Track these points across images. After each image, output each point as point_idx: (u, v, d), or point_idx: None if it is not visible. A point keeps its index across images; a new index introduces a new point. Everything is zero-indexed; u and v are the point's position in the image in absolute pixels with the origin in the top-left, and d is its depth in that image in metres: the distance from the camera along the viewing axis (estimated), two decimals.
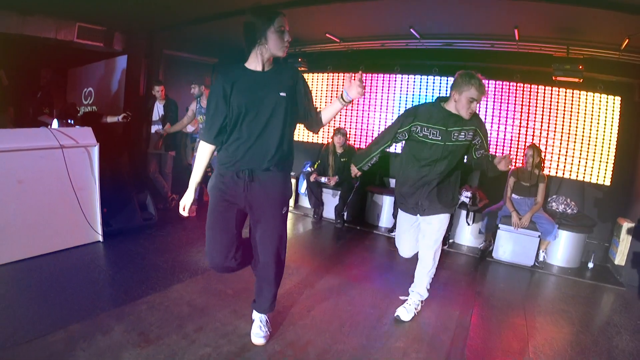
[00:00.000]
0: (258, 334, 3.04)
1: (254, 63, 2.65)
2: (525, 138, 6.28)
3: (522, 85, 6.27)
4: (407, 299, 3.77)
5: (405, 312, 3.64)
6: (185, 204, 2.88)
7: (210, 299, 3.69)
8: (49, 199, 4.36)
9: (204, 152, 2.81)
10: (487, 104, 6.48)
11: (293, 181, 7.39)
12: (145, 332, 3.07)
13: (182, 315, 3.36)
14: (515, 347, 3.41)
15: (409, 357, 3.10)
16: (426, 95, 6.89)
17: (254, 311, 3.13)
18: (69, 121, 5.51)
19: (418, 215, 3.58)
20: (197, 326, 3.22)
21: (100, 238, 4.87)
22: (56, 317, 3.19)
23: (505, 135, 6.44)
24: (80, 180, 4.59)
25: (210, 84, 5.81)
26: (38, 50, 6.76)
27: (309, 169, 7.15)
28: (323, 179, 6.78)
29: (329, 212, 6.86)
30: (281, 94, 2.63)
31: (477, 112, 3.44)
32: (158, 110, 6.39)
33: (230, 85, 2.60)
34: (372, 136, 7.46)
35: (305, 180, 7.04)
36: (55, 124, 5.01)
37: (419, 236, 3.68)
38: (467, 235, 6.15)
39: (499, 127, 6.46)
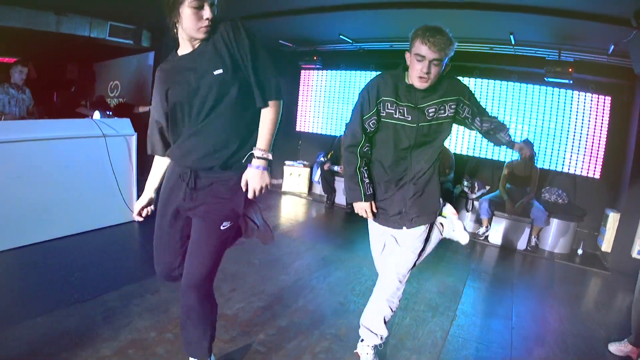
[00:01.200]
0: None
1: (182, 46, 2.11)
2: (522, 133, 6.73)
3: (518, 85, 6.74)
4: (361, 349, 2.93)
5: None
6: (136, 207, 2.45)
7: (241, 267, 4.26)
8: (92, 183, 4.90)
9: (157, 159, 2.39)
10: (485, 102, 6.92)
11: (307, 170, 8.02)
12: None
13: (217, 279, 3.81)
14: (500, 312, 3.95)
15: (409, 313, 3.68)
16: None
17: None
18: (108, 112, 6.04)
19: (404, 227, 2.66)
20: (231, 288, 3.78)
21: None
22: (108, 281, 3.74)
23: None
24: (119, 166, 5.12)
25: None
26: (67, 46, 7.19)
27: (322, 158, 7.62)
28: (336, 168, 7.30)
29: (340, 199, 7.36)
30: (215, 72, 2.01)
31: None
32: None
33: (163, 74, 2.13)
34: None
35: (319, 169, 7.51)
36: (97, 115, 5.53)
37: (392, 252, 2.80)
38: (466, 221, 6.64)
39: None
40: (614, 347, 3.37)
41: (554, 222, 6.05)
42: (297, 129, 9.09)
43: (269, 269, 4.29)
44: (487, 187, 6.71)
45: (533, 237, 6.04)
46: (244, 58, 2.03)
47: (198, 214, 2.17)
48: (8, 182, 4.23)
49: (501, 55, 6.45)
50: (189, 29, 1.98)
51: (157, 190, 2.40)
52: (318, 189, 7.92)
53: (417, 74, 2.32)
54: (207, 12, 1.95)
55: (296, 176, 8.10)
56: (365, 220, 2.74)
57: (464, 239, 2.89)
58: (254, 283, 3.92)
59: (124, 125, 5.28)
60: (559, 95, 6.52)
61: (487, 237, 6.23)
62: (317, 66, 8.09)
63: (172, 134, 2.18)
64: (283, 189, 8.17)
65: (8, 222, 4.24)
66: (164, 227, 2.30)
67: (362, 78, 8.13)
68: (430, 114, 2.46)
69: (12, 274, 3.85)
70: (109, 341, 2.86)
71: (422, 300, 3.96)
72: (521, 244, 6.01)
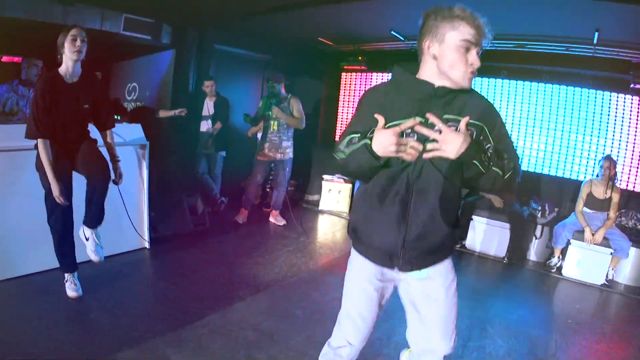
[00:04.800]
0: (96, 250, 3.45)
1: (65, 67, 3.23)
2: (597, 148, 5.93)
3: (594, 91, 5.91)
4: None
5: None
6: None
7: (278, 322, 3.41)
8: None
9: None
10: (556, 110, 6.14)
11: (348, 186, 7.26)
12: None
13: (248, 343, 3.07)
14: None
15: None
16: (494, 100, 6.51)
17: (86, 228, 3.44)
18: (116, 117, 5.30)
19: (396, 269, 1.95)
20: (268, 356, 2.92)
21: (147, 245, 4.68)
22: (101, 342, 2.91)
23: (575, 145, 6.11)
24: (126, 181, 4.19)
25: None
26: None
27: None
28: None
29: None
30: (85, 106, 3.32)
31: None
32: (208, 107, 6.17)
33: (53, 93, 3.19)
34: None
35: None
36: None
37: (413, 316, 2.09)
38: (533, 249, 5.86)
39: (568, 136, 6.13)
40: None
41: (632, 251, 5.17)
42: (337, 139, 8.18)
43: (316, 323, 3.37)
44: (556, 210, 5.90)
45: (611, 269, 5.20)
46: (101, 97, 3.54)
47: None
48: None
49: (578, 57, 5.63)
50: (69, 53, 3.14)
51: None
52: None
53: (468, 68, 1.75)
54: (78, 42, 3.13)
55: (336, 192, 7.25)
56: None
57: None
58: (299, 348, 3.03)
59: (134, 132, 4.54)
60: (639, 104, 5.65)
61: (559, 269, 5.42)
62: (362, 68, 7.36)
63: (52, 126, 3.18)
64: (320, 207, 7.31)
65: None
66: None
67: None
68: None
69: None
70: None
71: None
72: (598, 278, 5.16)
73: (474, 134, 1.76)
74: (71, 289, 3.45)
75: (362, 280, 2.04)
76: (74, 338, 2.89)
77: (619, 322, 4.37)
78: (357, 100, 1.95)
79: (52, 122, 3.12)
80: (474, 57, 1.73)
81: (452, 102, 1.79)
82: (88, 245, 3.40)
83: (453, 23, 1.71)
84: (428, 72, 1.81)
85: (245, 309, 3.55)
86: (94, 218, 3.39)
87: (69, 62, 3.18)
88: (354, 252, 2.08)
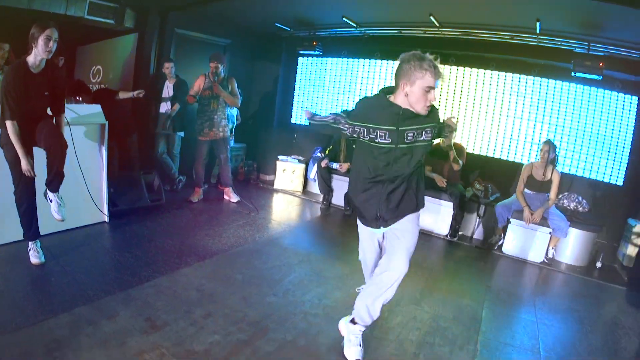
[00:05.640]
0: (59, 210, 3.67)
1: (34, 60, 3.37)
2: (540, 133, 6.14)
3: (539, 79, 6.12)
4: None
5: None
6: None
7: (219, 284, 3.65)
8: None
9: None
10: (502, 97, 6.35)
11: (302, 166, 7.44)
12: (152, 317, 3.03)
13: (190, 301, 3.31)
14: (526, 343, 3.36)
15: (423, 349, 3.07)
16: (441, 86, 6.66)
17: (49, 192, 3.65)
18: (77, 98, 5.40)
19: (382, 228, 2.87)
20: (205, 312, 3.17)
21: (106, 218, 4.82)
22: (60, 300, 3.14)
23: (520, 129, 6.32)
24: (87, 158, 4.48)
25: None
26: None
27: (319, 154, 7.11)
28: (334, 165, 6.74)
29: (338, 199, 6.80)
30: (45, 93, 3.53)
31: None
32: (167, 89, 6.29)
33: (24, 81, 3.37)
34: None
35: (315, 166, 6.99)
36: None
37: (389, 243, 2.90)
38: (475, 227, 6.09)
39: (513, 121, 6.33)
40: None
41: (573, 232, 5.43)
42: (293, 121, 8.46)
43: (253, 286, 3.66)
44: (500, 191, 6.17)
45: (551, 248, 5.46)
46: (59, 87, 3.68)
47: None
48: None
49: (523, 45, 5.81)
50: (41, 52, 3.31)
51: None
52: (314, 188, 7.33)
53: (426, 103, 2.55)
54: (52, 43, 3.32)
55: (290, 173, 7.46)
56: None
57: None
58: (234, 306, 3.29)
59: (94, 112, 4.63)
60: (582, 92, 5.89)
61: (500, 246, 5.66)
62: (317, 53, 7.44)
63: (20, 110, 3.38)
64: (275, 186, 7.54)
65: None
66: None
67: (365, 67, 7.47)
68: (409, 137, 2.63)
69: None
70: None
71: (436, 330, 3.35)
72: (538, 256, 5.43)
73: (435, 130, 2.66)
74: (34, 256, 3.68)
75: (364, 232, 3.05)
76: (36, 298, 3.12)
77: (551, 296, 4.60)
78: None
79: (20, 107, 3.32)
80: (432, 95, 2.51)
81: (416, 117, 2.58)
82: (52, 206, 3.63)
83: (422, 72, 2.47)
84: (400, 99, 2.58)
85: (191, 273, 3.79)
86: (55, 183, 3.58)
87: (38, 57, 3.33)
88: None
